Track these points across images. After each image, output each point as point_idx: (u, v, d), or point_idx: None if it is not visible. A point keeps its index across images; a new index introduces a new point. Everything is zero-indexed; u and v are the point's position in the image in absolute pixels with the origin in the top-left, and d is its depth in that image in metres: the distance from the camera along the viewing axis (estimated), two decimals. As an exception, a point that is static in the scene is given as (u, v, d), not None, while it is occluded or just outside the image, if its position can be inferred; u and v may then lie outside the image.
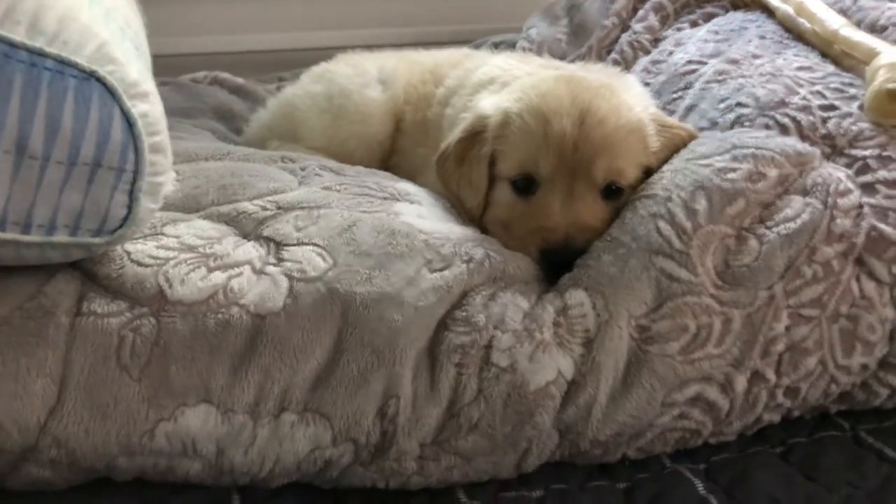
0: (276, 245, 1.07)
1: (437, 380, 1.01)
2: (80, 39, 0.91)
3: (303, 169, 1.29)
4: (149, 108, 0.95)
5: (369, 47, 2.30)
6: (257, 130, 1.67)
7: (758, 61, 1.42)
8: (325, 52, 2.24)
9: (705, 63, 1.50)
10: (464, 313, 1.05)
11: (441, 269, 1.07)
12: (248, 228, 1.10)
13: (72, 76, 0.89)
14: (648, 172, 1.24)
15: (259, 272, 1.03)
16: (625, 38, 1.78)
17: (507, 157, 1.24)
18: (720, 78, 1.41)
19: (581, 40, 1.85)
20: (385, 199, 1.20)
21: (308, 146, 1.55)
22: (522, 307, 1.07)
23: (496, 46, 2.05)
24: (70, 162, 0.89)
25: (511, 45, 1.99)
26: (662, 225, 1.12)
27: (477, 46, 2.11)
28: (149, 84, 0.99)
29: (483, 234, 1.19)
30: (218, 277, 1.01)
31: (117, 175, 0.92)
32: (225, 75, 2.02)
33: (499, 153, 1.25)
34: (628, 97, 1.29)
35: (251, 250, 1.06)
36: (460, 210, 1.27)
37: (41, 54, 0.88)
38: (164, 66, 2.18)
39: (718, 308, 1.08)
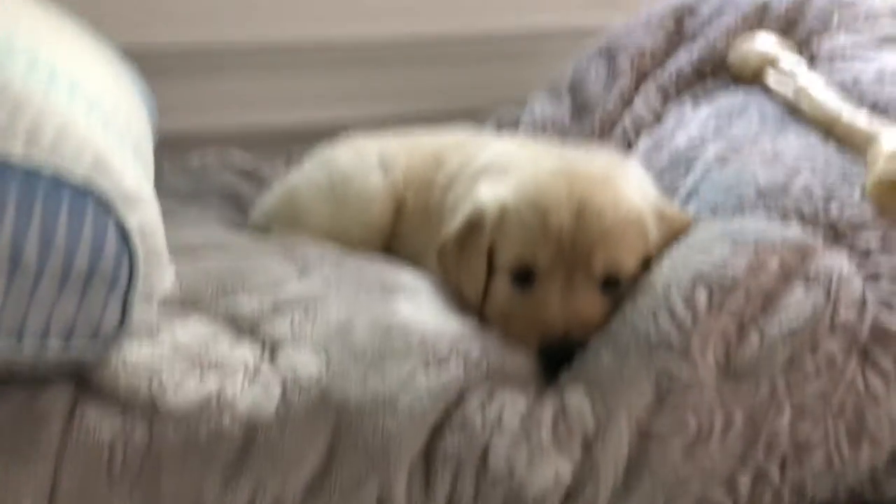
0: (272, 346, 1.07)
1: (432, 486, 1.00)
2: (77, 151, 0.93)
3: (303, 259, 1.30)
4: (145, 217, 0.96)
5: (378, 120, 2.34)
6: (262, 216, 1.68)
7: (759, 143, 1.42)
8: (334, 126, 2.28)
9: (706, 144, 1.50)
10: (460, 417, 1.04)
11: (437, 370, 1.06)
12: (244, 327, 1.10)
13: (67, 190, 0.90)
14: (648, 261, 1.23)
15: (253, 376, 1.03)
16: (627, 116, 1.78)
17: (506, 249, 1.24)
18: (721, 161, 1.41)
19: (584, 119, 1.86)
20: (384, 292, 1.19)
21: (310, 234, 1.55)
22: (520, 408, 1.06)
23: (500, 124, 2.07)
24: (64, 274, 0.90)
25: (515, 123, 2.00)
26: (662, 319, 1.11)
27: (481, 123, 2.13)
28: (145, 190, 1.00)
29: (482, 325, 1.18)
30: (211, 384, 1.01)
31: (111, 285, 0.93)
32: (235, 156, 2.05)
33: (497, 245, 1.25)
34: (628, 188, 1.29)
35: (246, 352, 1.06)
36: (461, 298, 1.26)
37: (37, 170, 0.89)
38: (174, 143, 2.22)
39: (720, 404, 1.06)
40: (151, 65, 2.12)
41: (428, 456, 1.01)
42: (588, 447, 1.04)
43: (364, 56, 2.44)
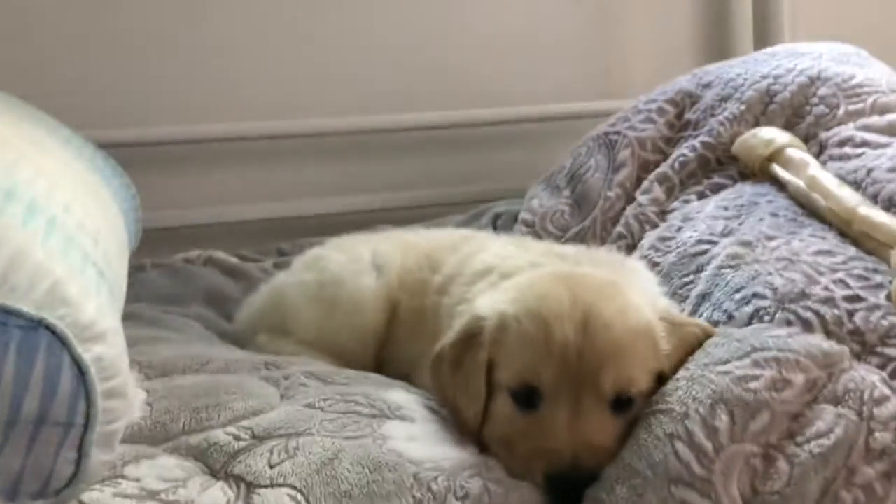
0: (247, 486, 0.96)
1: None
2: (30, 281, 0.84)
3: (286, 378, 1.20)
4: (105, 349, 0.86)
5: (369, 212, 2.28)
6: (247, 319, 1.59)
7: (772, 243, 1.34)
8: (324, 219, 2.22)
9: (716, 243, 1.42)
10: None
11: (432, 512, 0.95)
12: (218, 464, 0.99)
13: (16, 327, 0.81)
14: (661, 377, 1.13)
15: (225, 525, 0.91)
16: (630, 211, 1.71)
17: (506, 365, 1.13)
18: (734, 263, 1.32)
19: (584, 212, 1.79)
20: (373, 416, 1.09)
21: (298, 339, 1.46)
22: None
23: (498, 218, 2.00)
24: (10, 421, 0.80)
25: (513, 217, 1.93)
26: (680, 447, 1.00)
27: (478, 217, 2.06)
28: (108, 320, 0.91)
29: (482, 457, 1.07)
30: (181, 533, 0.90)
31: (65, 430, 0.83)
32: (219, 255, 1.97)
33: (497, 360, 1.14)
34: (635, 294, 1.20)
35: (219, 494, 0.94)
36: (457, 421, 1.15)
37: (-18, 308, 0.80)
38: (158, 240, 2.15)
39: (750, 546, 0.95)
40: (135, 160, 2.07)
41: None
42: None
43: (354, 145, 2.39)
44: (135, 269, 1.84)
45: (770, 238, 1.36)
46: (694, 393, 1.07)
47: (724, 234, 1.43)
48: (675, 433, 1.02)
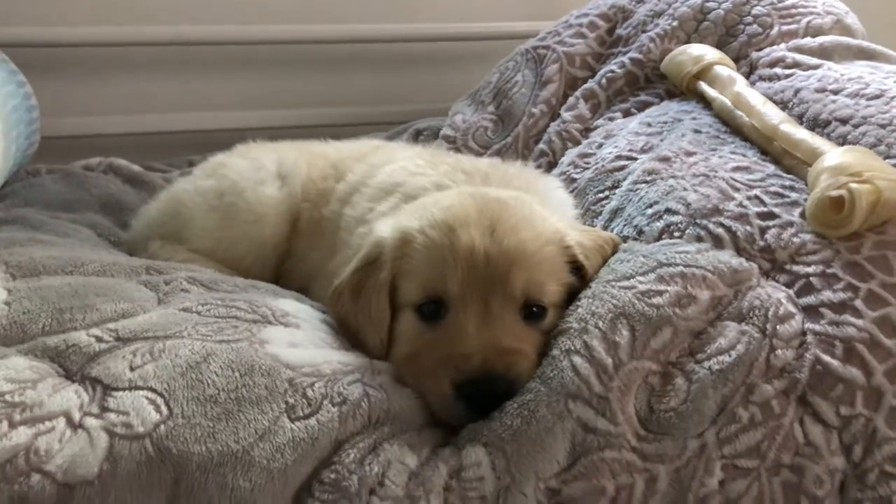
0: (103, 389, 0.88)
1: (292, 562, 0.82)
2: None
3: (167, 283, 1.11)
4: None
5: (285, 129, 2.17)
6: (142, 227, 1.49)
7: (691, 159, 1.28)
8: (239, 134, 2.09)
9: (635, 159, 1.36)
10: (333, 475, 0.86)
11: (305, 417, 0.88)
12: (74, 366, 0.91)
13: None
14: (573, 295, 1.07)
15: (75, 427, 0.84)
16: (553, 127, 1.64)
17: (410, 280, 1.06)
18: (649, 178, 1.27)
19: (507, 128, 1.71)
20: (255, 322, 1.02)
21: (192, 248, 1.37)
22: (409, 465, 0.89)
23: (420, 134, 1.91)
24: None
25: (435, 134, 1.84)
26: (579, 362, 0.95)
27: (400, 133, 1.97)
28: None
29: (371, 362, 1.01)
30: (22, 435, 0.82)
31: None
32: (121, 162, 1.85)
33: (400, 278, 1.07)
34: (542, 208, 1.14)
35: (71, 396, 0.87)
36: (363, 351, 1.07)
37: None
38: (62, 149, 2.02)
39: (641, 464, 0.91)
40: (36, 62, 1.94)
41: (290, 525, 0.83)
42: (487, 516, 0.87)
43: (271, 57, 2.26)
44: (27, 175, 1.73)
45: (689, 154, 1.30)
46: (594, 308, 1.02)
47: (643, 151, 1.37)
48: (572, 348, 0.97)
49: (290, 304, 1.10)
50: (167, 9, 2.19)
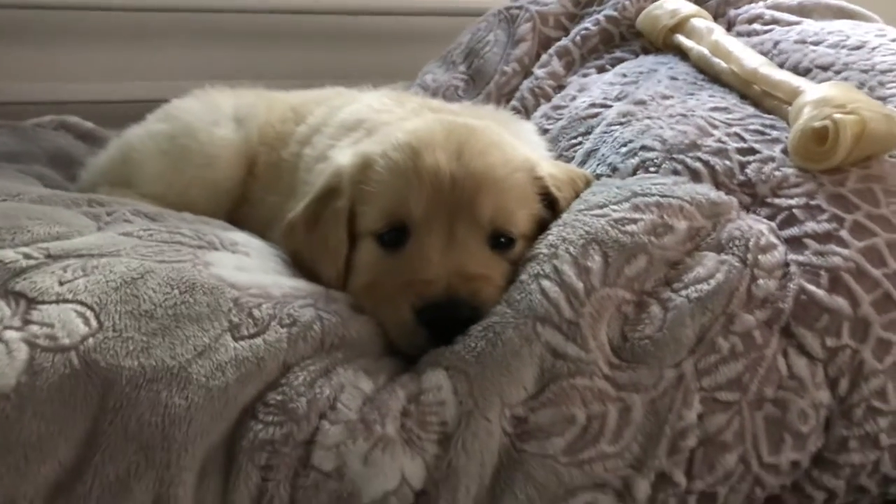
0: (28, 303, 0.80)
1: (231, 488, 0.74)
2: None
3: (109, 214, 1.03)
4: None
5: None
6: (91, 176, 1.41)
7: (667, 102, 1.23)
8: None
9: (609, 106, 1.30)
10: (279, 396, 0.79)
11: (250, 336, 0.81)
12: (-4, 281, 0.83)
13: None
14: (542, 227, 1.01)
15: (-7, 339, 0.75)
16: (526, 84, 1.58)
17: (370, 206, 0.99)
18: (624, 120, 1.21)
19: (479, 87, 1.66)
20: (199, 247, 0.94)
21: (143, 193, 1.29)
22: (364, 390, 0.82)
23: (387, 94, 1.84)
24: None
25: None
26: (548, 285, 0.89)
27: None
28: None
29: (325, 290, 0.93)
30: (-70, 347, 0.73)
31: None
32: (73, 119, 1.77)
33: (359, 204, 1.00)
34: (514, 137, 1.08)
35: (-10, 310, 0.78)
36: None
37: None
38: (11, 116, 1.93)
39: (614, 393, 0.85)
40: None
41: (230, 448, 0.76)
42: (445, 443, 0.80)
43: (230, 26, 2.18)
44: (-27, 131, 1.64)
45: (665, 97, 1.25)
46: (565, 234, 0.96)
47: (618, 98, 1.32)
48: (541, 272, 0.91)
49: (240, 236, 1.03)
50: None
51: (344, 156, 1.04)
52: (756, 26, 1.48)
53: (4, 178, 1.31)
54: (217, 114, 1.34)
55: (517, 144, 1.06)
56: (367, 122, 1.18)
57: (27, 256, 0.86)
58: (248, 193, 1.31)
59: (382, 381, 0.84)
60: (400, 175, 0.96)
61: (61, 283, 0.81)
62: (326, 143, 1.20)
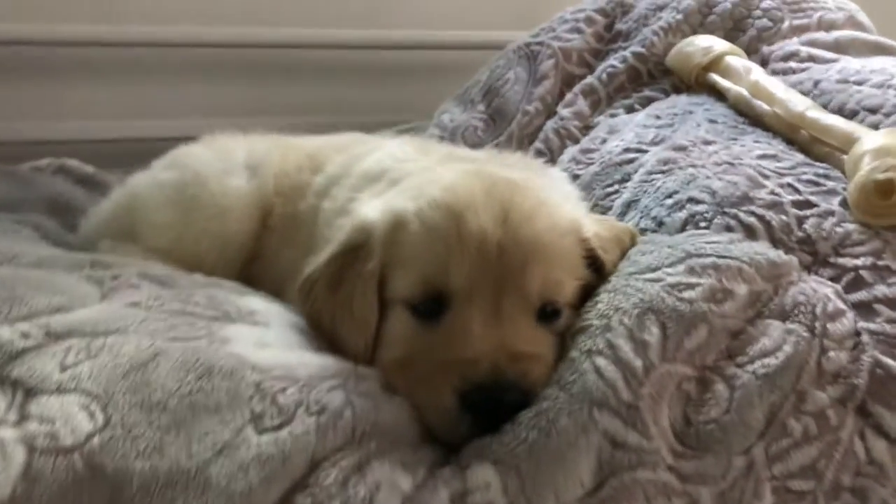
0: (25, 393, 0.71)
1: None
2: None
3: (115, 278, 0.95)
4: None
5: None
6: (92, 227, 1.32)
7: (710, 147, 1.15)
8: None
9: (645, 151, 1.22)
10: (309, 499, 0.70)
11: (275, 429, 0.72)
12: (-8, 366, 0.74)
13: None
14: (586, 293, 0.93)
15: (-13, 438, 0.67)
16: (550, 125, 1.50)
17: (404, 272, 0.90)
18: (665, 168, 1.13)
19: (500, 127, 1.58)
20: (214, 319, 0.86)
21: (148, 248, 1.21)
22: (402, 488, 0.73)
23: (404, 134, 1.77)
24: None
25: (421, 134, 1.70)
26: (603, 363, 0.81)
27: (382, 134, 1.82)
28: None
29: (355, 367, 0.84)
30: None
31: None
32: (72, 163, 1.69)
33: (390, 268, 0.91)
34: (555, 193, 1.00)
35: (-17, 402, 0.70)
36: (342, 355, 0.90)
37: None
38: (16, 155, 1.84)
39: (679, 486, 0.76)
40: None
41: (255, 561, 0.67)
42: (496, 547, 0.71)
43: (244, 61, 2.11)
44: (-32, 175, 1.56)
45: (708, 143, 1.17)
46: (617, 303, 0.87)
47: (654, 143, 1.24)
48: (594, 348, 0.82)
49: (257, 303, 0.94)
50: (131, 9, 2.04)
51: (372, 209, 0.95)
52: (792, 64, 1.41)
53: (1, 234, 1.22)
54: (229, 162, 1.25)
55: (561, 201, 0.98)
56: (391, 173, 1.10)
57: (25, 336, 0.77)
58: (262, 248, 1.23)
59: (422, 476, 0.75)
60: (439, 239, 0.88)
61: (63, 370, 0.73)
62: (347, 195, 1.12)
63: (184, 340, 0.79)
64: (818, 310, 0.87)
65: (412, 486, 0.73)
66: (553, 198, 0.97)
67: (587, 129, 1.47)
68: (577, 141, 1.44)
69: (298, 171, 1.24)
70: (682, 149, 1.16)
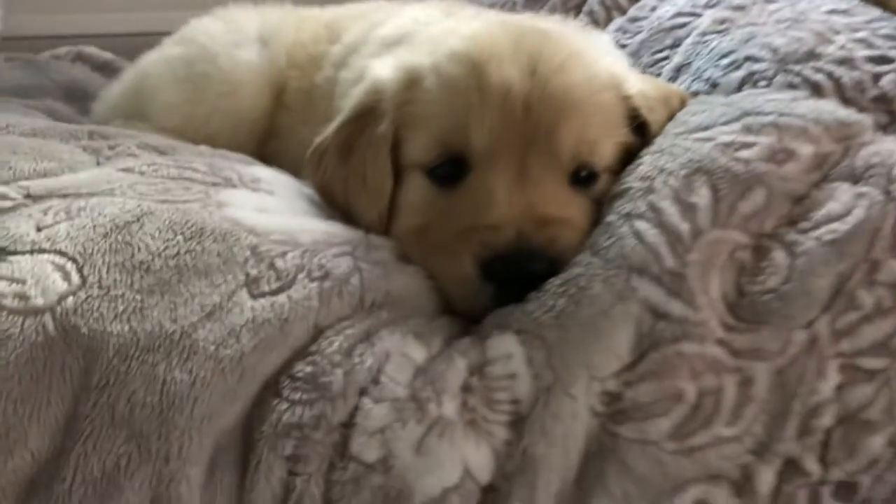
0: (-4, 253, 0.64)
1: (249, 486, 0.59)
2: None
3: (112, 148, 0.88)
4: None
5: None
6: (104, 109, 1.26)
7: (772, 6, 1.03)
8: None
9: (699, 15, 1.10)
10: (309, 368, 0.63)
11: (272, 293, 0.64)
12: (-36, 228, 0.68)
13: None
14: (627, 156, 0.83)
15: (-48, 298, 0.60)
16: (594, -2, 1.37)
17: (419, 133, 0.81)
18: (721, 28, 1.02)
19: (540, 1, 1.45)
20: (213, 185, 0.78)
21: (158, 127, 1.13)
22: (415, 359, 0.66)
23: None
24: None
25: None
26: (644, 227, 0.71)
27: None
28: None
29: (367, 235, 0.76)
30: None
31: None
32: (91, 50, 1.62)
33: (405, 130, 0.82)
34: (594, 48, 0.89)
35: (-50, 262, 0.63)
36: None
37: None
38: (30, 49, 1.78)
39: (731, 361, 0.67)
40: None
41: (247, 433, 0.61)
42: (519, 426, 0.64)
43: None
44: (-20, 62, 1.49)
45: (768, 1, 1.04)
46: (661, 164, 0.77)
47: (709, 6, 1.11)
48: (633, 211, 0.73)
49: (264, 171, 0.87)
50: None
51: (383, 68, 0.86)
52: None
53: (5, 113, 1.16)
54: (239, 34, 1.17)
55: (600, 53, 0.87)
56: (413, 37, 0.99)
57: (3, 197, 0.71)
58: (276, 125, 1.14)
59: (437, 347, 0.67)
60: (458, 94, 0.78)
61: (39, 229, 0.66)
62: (365, 63, 1.02)
63: (175, 203, 0.71)
64: (894, 172, 0.76)
65: (426, 358, 0.65)
66: (591, 50, 0.86)
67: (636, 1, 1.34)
68: (623, 12, 1.31)
69: (315, 42, 1.15)
70: (740, 8, 1.04)
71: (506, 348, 0.66)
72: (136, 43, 1.90)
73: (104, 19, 1.90)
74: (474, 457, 0.62)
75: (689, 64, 1.00)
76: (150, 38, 1.90)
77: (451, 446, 0.61)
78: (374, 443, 0.60)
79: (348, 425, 0.61)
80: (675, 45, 1.07)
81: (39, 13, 1.86)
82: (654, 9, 1.22)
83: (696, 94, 0.94)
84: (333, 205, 0.84)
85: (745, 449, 0.66)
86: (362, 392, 0.62)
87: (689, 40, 1.04)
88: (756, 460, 0.67)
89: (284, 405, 0.61)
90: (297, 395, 0.61)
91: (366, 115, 0.83)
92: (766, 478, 0.67)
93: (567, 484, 0.63)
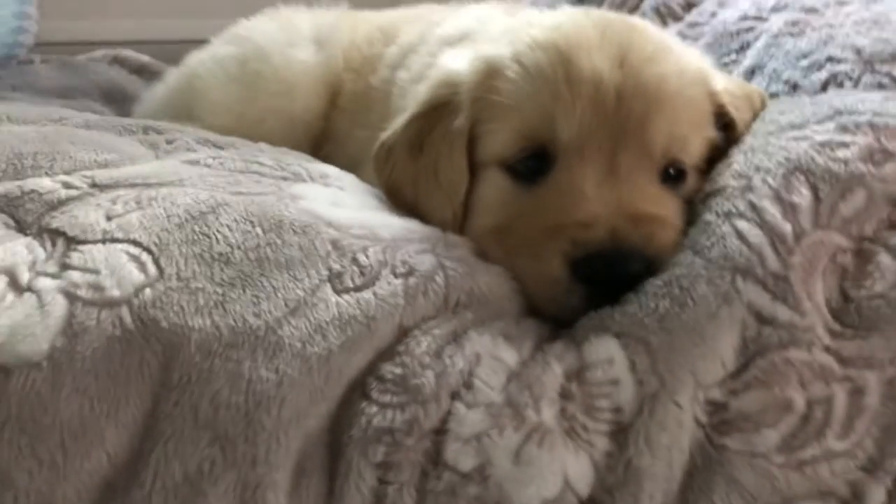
0: (67, 242, 0.61)
1: (339, 494, 0.55)
2: None
3: (169, 142, 0.85)
4: None
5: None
6: (148, 110, 1.23)
7: (846, 8, 0.99)
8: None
9: (766, 19, 1.06)
10: (398, 369, 0.59)
11: (357, 289, 0.61)
12: (31, 216, 0.65)
13: None
14: (714, 155, 0.79)
15: (23, 288, 0.57)
16: (649, 2, 1.34)
17: (500, 126, 0.76)
18: (795, 30, 0.98)
19: (591, 4, 1.42)
20: (283, 179, 0.74)
21: (208, 128, 1.09)
22: (507, 362, 0.61)
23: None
24: None
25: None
26: (746, 227, 0.67)
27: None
28: None
29: (443, 233, 0.72)
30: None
31: None
32: (128, 52, 1.60)
33: (481, 124, 0.78)
34: (676, 41, 0.86)
35: (19, 251, 0.60)
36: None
37: None
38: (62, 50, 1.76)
39: (840, 370, 0.63)
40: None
41: (335, 437, 0.56)
42: (621, 437, 0.59)
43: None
44: (18, 64, 1.47)
45: (842, 3, 1.00)
46: (757, 162, 0.73)
47: (775, 10, 1.08)
48: (733, 210, 0.69)
49: (330, 168, 0.83)
50: None
51: (458, 61, 0.82)
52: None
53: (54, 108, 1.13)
54: (294, 34, 1.14)
55: (684, 48, 0.83)
56: (475, 35, 0.96)
57: (67, 186, 0.67)
58: (331, 128, 1.11)
59: (528, 350, 0.63)
60: (544, 85, 0.74)
61: (109, 218, 0.62)
62: (425, 61, 0.99)
63: (249, 195, 0.68)
64: None
65: (518, 361, 0.61)
66: (676, 43, 0.83)
67: (689, 6, 1.30)
68: (679, 19, 1.28)
69: (370, 45, 1.12)
70: (812, 10, 1.01)
71: (606, 353, 0.61)
72: (171, 50, 1.90)
73: (139, 25, 1.88)
74: (574, 468, 0.57)
75: (763, 66, 0.96)
76: (186, 46, 1.88)
77: (550, 456, 0.57)
78: (469, 450, 0.56)
79: (440, 431, 0.57)
80: (743, 48, 1.03)
81: (73, 19, 1.84)
82: (713, 14, 1.19)
83: (774, 95, 0.91)
84: (401, 203, 0.80)
85: (856, 465, 0.62)
86: (454, 396, 0.58)
87: (759, 43, 1.01)
88: (866, 477, 0.62)
89: (374, 408, 0.57)
90: (386, 398, 0.57)
91: (439, 109, 0.79)
92: (876, 496, 0.62)
93: (669, 497, 0.59)
